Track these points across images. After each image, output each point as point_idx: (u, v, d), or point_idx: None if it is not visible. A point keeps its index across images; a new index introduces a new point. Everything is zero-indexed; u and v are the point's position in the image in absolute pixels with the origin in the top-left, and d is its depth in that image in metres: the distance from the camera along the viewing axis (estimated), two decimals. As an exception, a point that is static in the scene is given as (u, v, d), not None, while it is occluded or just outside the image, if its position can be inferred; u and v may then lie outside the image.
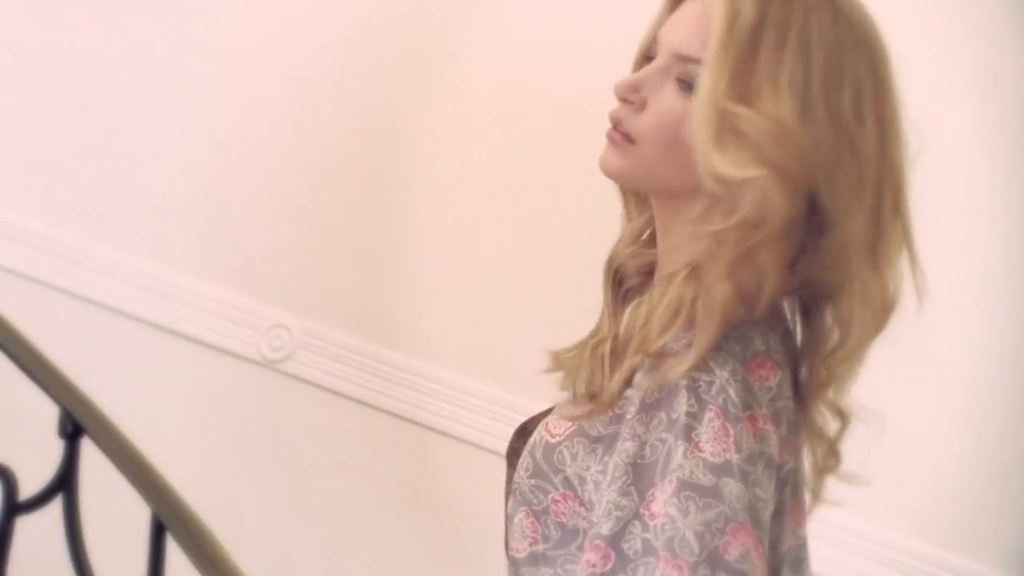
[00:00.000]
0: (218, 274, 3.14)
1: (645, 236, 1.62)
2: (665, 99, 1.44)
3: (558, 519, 1.43)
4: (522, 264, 3.04)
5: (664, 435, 1.32)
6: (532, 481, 1.45)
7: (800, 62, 1.38)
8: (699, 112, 1.37)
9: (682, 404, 1.34)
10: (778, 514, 1.41)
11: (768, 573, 1.38)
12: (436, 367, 3.06)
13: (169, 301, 3.16)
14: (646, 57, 1.53)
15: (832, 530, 2.76)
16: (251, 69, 3.19)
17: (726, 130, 1.35)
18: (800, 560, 1.50)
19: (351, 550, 3.12)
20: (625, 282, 1.64)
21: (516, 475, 1.49)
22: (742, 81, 1.37)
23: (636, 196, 1.63)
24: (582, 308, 1.67)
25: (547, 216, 2.97)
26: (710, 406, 1.33)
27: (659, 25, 1.53)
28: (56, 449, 2.44)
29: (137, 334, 3.16)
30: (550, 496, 1.44)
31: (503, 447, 1.59)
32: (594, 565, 1.31)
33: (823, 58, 1.39)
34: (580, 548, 1.40)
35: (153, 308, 3.16)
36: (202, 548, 2.31)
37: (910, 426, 2.75)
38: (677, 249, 1.51)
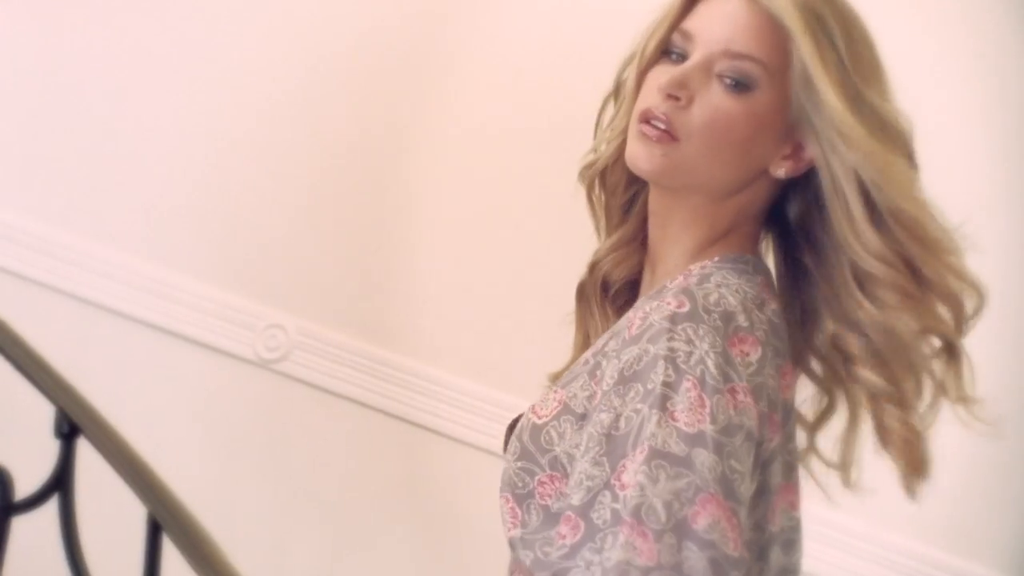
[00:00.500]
0: (214, 274, 3.14)
1: (631, 240, 1.64)
2: (715, 97, 1.44)
3: (543, 502, 1.42)
4: (519, 264, 3.04)
5: (639, 406, 1.32)
6: (519, 464, 1.44)
7: (870, 63, 1.46)
8: (858, 126, 1.43)
9: (659, 374, 1.33)
10: (763, 493, 1.41)
11: (754, 551, 1.39)
12: (433, 367, 3.06)
13: (165, 301, 3.15)
14: (664, 51, 1.51)
15: (832, 532, 2.75)
16: (250, 70, 3.18)
17: (887, 138, 1.45)
18: (792, 542, 1.49)
19: (347, 550, 3.11)
20: (611, 288, 1.66)
21: (505, 462, 1.48)
22: (849, 80, 1.45)
23: (614, 204, 1.64)
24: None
25: (544, 216, 2.96)
26: (687, 376, 1.33)
27: (677, 18, 1.51)
28: (52, 449, 2.43)
29: (133, 334, 3.16)
30: (536, 478, 1.43)
31: (501, 447, 1.59)
32: (564, 536, 1.32)
33: (870, 58, 1.47)
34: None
35: (149, 308, 3.16)
36: (198, 548, 2.30)
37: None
38: (679, 240, 1.53)
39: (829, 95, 1.41)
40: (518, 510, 1.43)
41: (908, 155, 1.48)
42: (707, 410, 1.31)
